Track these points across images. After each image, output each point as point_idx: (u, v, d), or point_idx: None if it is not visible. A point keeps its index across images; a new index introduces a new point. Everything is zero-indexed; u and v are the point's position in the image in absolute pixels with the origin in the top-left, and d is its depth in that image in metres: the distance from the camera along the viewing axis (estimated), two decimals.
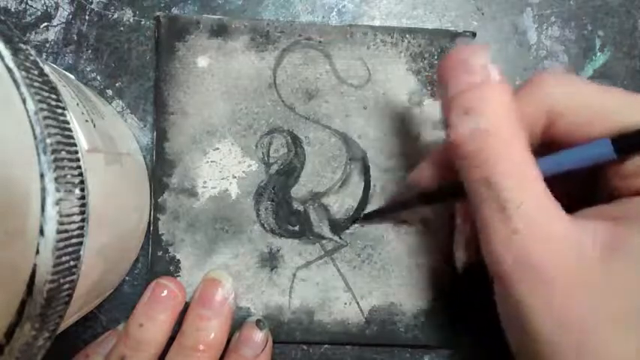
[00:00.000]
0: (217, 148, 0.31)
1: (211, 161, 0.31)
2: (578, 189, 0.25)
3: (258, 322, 0.30)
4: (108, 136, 0.24)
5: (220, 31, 0.31)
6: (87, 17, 0.31)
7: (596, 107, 0.22)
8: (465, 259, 0.27)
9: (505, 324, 0.24)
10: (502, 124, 0.21)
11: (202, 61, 0.31)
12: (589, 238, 0.21)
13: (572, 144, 0.22)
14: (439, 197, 0.27)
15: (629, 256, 0.20)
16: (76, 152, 0.18)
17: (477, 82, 0.21)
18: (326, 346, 0.32)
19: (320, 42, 0.31)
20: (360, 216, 0.31)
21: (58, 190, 0.16)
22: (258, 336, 0.30)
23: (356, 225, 0.31)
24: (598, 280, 0.20)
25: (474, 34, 0.32)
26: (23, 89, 0.16)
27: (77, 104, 0.22)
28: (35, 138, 0.16)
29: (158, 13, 0.31)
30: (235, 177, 0.31)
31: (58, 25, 0.31)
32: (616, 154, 0.21)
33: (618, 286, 0.20)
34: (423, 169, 0.27)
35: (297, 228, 0.31)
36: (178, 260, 0.31)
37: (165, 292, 0.29)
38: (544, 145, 0.24)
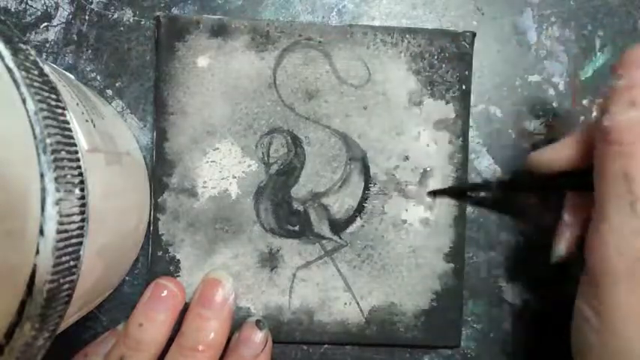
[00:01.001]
0: (217, 148, 0.31)
1: (211, 161, 0.31)
2: None
3: (257, 322, 0.30)
4: (108, 136, 0.24)
5: (220, 31, 0.31)
6: (87, 17, 0.31)
7: None
8: (564, 254, 0.27)
9: (587, 317, 0.23)
10: None
11: (202, 61, 0.31)
12: None
13: None
14: (558, 184, 0.27)
15: None
16: (76, 152, 0.18)
17: None
18: (326, 346, 0.32)
19: (320, 42, 0.31)
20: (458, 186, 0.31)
21: (58, 190, 0.16)
22: (258, 336, 0.30)
23: (357, 224, 0.31)
24: None
25: (473, 34, 0.32)
26: (23, 89, 0.16)
27: (77, 104, 0.22)
28: (35, 138, 0.16)
29: (158, 13, 0.31)
30: (235, 177, 0.31)
31: (58, 25, 0.31)
32: None
33: None
34: (550, 151, 0.27)
35: (297, 228, 0.31)
36: (178, 260, 0.31)
37: (165, 292, 0.29)
38: None
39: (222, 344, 0.29)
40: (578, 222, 0.26)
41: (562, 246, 0.27)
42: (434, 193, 0.31)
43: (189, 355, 0.28)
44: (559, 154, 0.26)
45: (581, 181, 0.25)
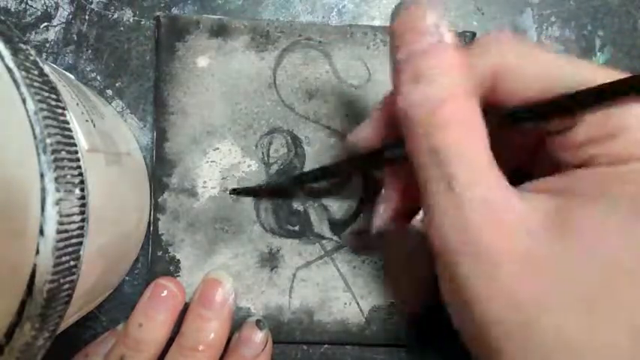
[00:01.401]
0: (217, 148, 0.31)
1: (211, 161, 0.31)
2: (520, 159, 0.24)
3: (258, 322, 0.30)
4: (108, 136, 0.24)
5: (220, 31, 0.31)
6: (87, 17, 0.31)
7: (543, 72, 0.21)
8: (383, 227, 0.26)
9: (449, 302, 0.22)
10: (454, 93, 0.20)
11: (202, 61, 0.31)
12: (536, 216, 0.19)
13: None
14: (376, 161, 0.25)
15: (576, 238, 0.19)
16: (76, 152, 0.18)
17: (428, 45, 0.20)
18: (326, 346, 0.32)
19: (320, 42, 0.31)
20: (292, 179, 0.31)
21: (58, 190, 0.16)
22: (258, 336, 0.30)
23: (357, 224, 0.31)
24: (547, 263, 0.19)
25: (473, 34, 0.32)
26: (23, 89, 0.16)
27: (77, 104, 0.22)
28: (35, 138, 0.16)
29: (158, 13, 0.31)
30: (235, 177, 0.31)
31: (58, 25, 0.31)
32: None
33: (567, 269, 0.19)
34: (364, 129, 0.26)
35: (297, 228, 0.31)
36: (178, 260, 0.31)
37: (165, 292, 0.29)
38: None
39: (222, 344, 0.29)
40: (394, 195, 0.25)
41: (380, 220, 0.26)
42: (235, 192, 0.31)
43: (189, 355, 0.28)
44: (364, 134, 0.25)
45: (382, 158, 0.24)
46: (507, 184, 0.20)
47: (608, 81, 0.19)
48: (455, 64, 0.20)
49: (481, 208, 0.19)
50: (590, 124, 0.20)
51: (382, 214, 0.26)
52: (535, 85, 0.21)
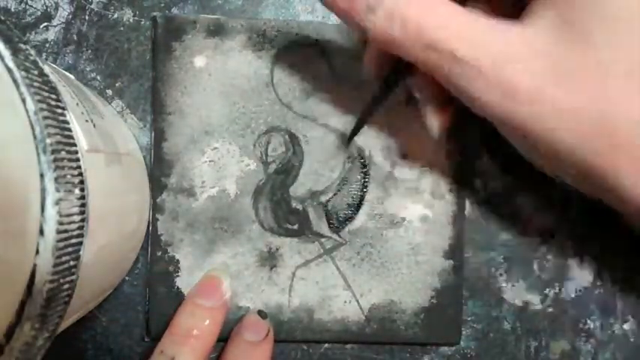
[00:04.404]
0: (215, 148, 0.31)
1: (209, 161, 0.31)
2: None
3: (260, 312, 0.31)
4: (108, 136, 0.24)
5: (217, 30, 0.31)
6: (87, 17, 0.31)
7: None
8: (439, 124, 0.28)
9: (514, 139, 0.26)
10: None
11: (199, 61, 0.31)
12: (541, 32, 0.22)
13: None
14: (399, 75, 0.27)
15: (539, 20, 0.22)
16: (76, 152, 0.18)
17: None
18: (326, 345, 0.32)
19: (316, 40, 0.31)
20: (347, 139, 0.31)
21: (57, 190, 0.16)
22: (261, 322, 0.30)
23: (356, 222, 0.31)
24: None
25: None
26: (23, 89, 0.16)
27: (77, 104, 0.22)
28: (35, 138, 0.16)
29: (154, 14, 0.31)
30: (234, 176, 0.31)
31: (57, 25, 0.31)
32: None
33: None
34: (370, 57, 0.28)
35: (296, 227, 0.31)
36: (177, 260, 0.31)
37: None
38: None
39: (215, 334, 0.29)
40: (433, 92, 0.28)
41: (433, 119, 0.28)
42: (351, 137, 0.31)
43: (179, 342, 0.28)
44: (373, 61, 0.28)
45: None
46: (499, 21, 0.23)
47: None
48: None
49: (488, 58, 0.22)
50: None
51: (431, 112, 0.28)
52: None
